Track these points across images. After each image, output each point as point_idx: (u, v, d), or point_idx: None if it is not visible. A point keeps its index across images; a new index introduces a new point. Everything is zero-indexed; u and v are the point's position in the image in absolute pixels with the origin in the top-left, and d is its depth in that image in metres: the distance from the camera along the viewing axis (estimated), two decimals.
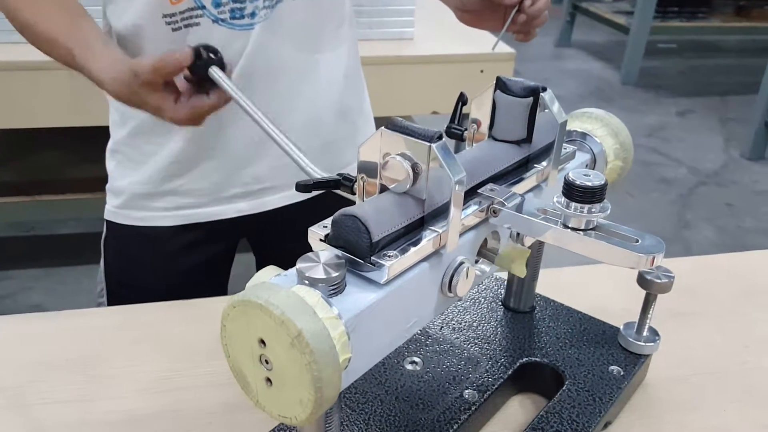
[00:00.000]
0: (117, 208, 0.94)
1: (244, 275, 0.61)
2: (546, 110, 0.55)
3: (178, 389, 0.67)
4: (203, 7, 0.79)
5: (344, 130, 0.95)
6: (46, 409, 0.64)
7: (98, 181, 2.15)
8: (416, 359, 0.65)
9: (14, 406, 0.64)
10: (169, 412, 0.64)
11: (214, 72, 0.70)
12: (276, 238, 0.98)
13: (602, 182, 0.47)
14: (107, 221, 0.97)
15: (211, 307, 0.80)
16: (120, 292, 0.98)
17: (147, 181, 0.90)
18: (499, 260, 0.53)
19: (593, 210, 0.48)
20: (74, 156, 2.30)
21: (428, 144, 0.44)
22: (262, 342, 0.38)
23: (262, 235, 1.01)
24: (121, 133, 0.93)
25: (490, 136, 0.58)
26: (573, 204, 0.48)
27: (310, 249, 0.46)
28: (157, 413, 0.64)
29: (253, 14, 0.82)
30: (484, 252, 0.52)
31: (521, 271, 0.53)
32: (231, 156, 0.89)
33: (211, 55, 0.71)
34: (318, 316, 0.37)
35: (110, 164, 0.96)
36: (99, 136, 2.35)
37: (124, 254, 0.97)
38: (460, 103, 0.63)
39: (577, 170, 0.48)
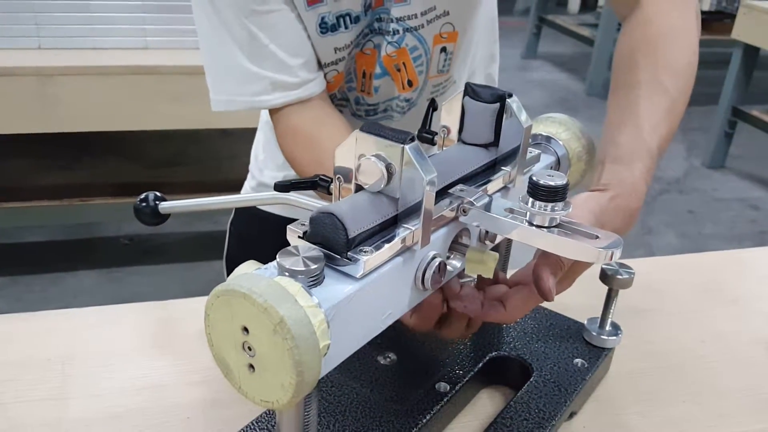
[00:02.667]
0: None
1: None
2: (512, 116, 0.58)
3: (155, 386, 0.68)
4: (347, 101, 0.88)
5: None
6: (22, 408, 0.65)
7: (64, 189, 2.16)
8: (390, 354, 0.67)
9: None
10: (147, 409, 0.65)
11: (165, 205, 0.69)
12: None
13: (564, 182, 0.50)
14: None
15: (184, 307, 0.81)
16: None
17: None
18: (468, 265, 0.55)
19: (556, 208, 0.51)
20: (40, 163, 2.29)
21: (401, 145, 0.46)
22: (245, 329, 0.40)
23: None
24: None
25: (460, 139, 0.60)
26: (537, 203, 0.51)
27: None
28: (135, 410, 0.65)
29: (385, 110, 0.89)
30: (455, 247, 0.55)
31: (490, 273, 0.55)
32: None
33: (147, 204, 0.69)
34: (299, 304, 0.39)
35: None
36: (65, 143, 2.34)
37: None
38: (431, 109, 0.66)
39: (541, 171, 0.51)
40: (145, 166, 2.29)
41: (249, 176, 1.06)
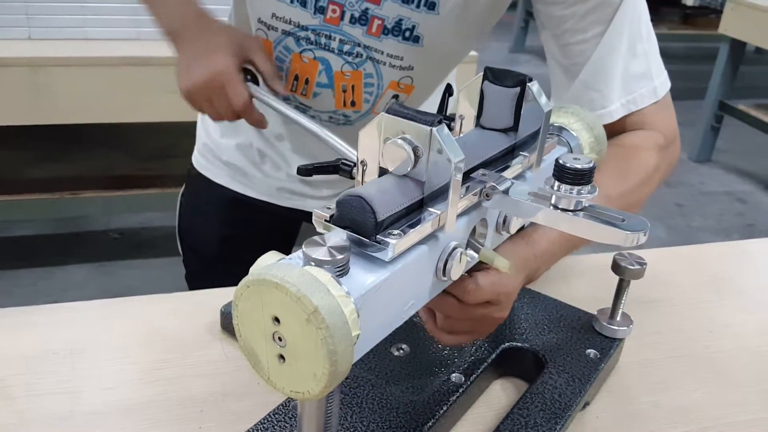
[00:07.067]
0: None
1: None
2: (532, 100, 0.58)
3: (167, 379, 0.67)
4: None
5: None
6: (33, 402, 0.63)
7: (56, 182, 2.12)
8: (403, 346, 0.66)
9: None
10: (159, 402, 0.64)
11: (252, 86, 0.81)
12: None
13: (591, 165, 0.50)
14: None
15: (191, 299, 0.80)
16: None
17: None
18: (483, 255, 0.55)
19: (582, 191, 0.50)
20: (30, 155, 2.25)
21: (429, 128, 0.46)
22: (276, 320, 0.39)
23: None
24: None
25: (478, 124, 0.59)
26: (563, 186, 0.50)
27: None
28: (147, 403, 0.64)
29: (314, 117, 0.87)
30: (471, 242, 0.54)
31: (505, 266, 0.54)
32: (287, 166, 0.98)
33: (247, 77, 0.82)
34: (332, 293, 0.39)
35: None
36: (55, 135, 2.31)
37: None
38: (447, 95, 0.65)
39: (567, 154, 0.51)
40: (137, 159, 2.26)
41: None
